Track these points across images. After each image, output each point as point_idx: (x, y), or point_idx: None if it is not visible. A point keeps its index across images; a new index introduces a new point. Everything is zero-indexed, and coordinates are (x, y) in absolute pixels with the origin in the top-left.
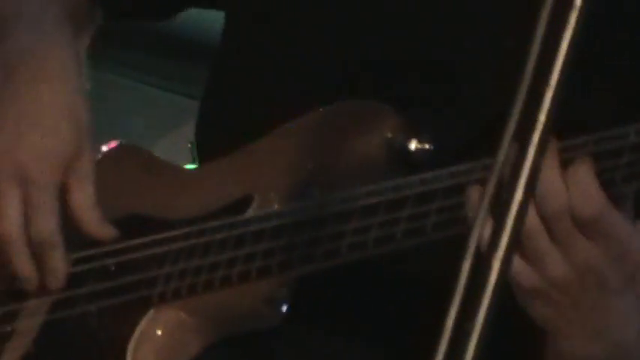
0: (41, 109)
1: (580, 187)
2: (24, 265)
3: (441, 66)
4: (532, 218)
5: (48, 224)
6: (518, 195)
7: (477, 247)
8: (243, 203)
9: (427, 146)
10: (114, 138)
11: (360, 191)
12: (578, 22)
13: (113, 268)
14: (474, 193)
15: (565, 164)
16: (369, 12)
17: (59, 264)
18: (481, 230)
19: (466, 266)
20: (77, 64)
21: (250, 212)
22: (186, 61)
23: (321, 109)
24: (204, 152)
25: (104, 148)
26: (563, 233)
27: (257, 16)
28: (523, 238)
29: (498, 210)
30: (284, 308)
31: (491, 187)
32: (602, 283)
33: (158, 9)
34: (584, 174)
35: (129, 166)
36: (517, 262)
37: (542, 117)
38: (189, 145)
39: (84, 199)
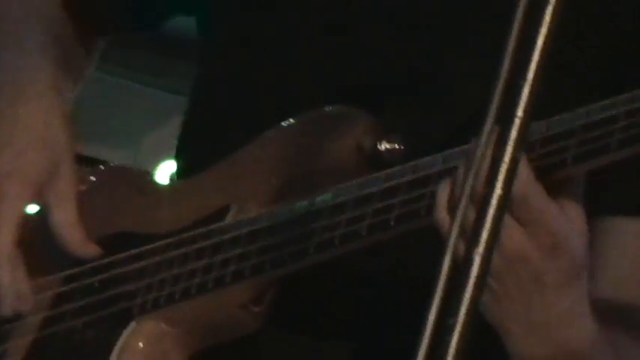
0: (17, 130)
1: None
2: None
3: (415, 70)
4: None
5: (2, 239)
6: (498, 189)
7: (457, 243)
8: (220, 214)
9: (397, 146)
10: (100, 135)
11: (327, 191)
12: (553, 18)
13: (97, 284)
14: (442, 194)
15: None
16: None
17: (5, 284)
18: (460, 226)
19: (447, 262)
20: (58, 88)
21: (227, 221)
22: (171, 57)
23: (295, 119)
24: (184, 168)
25: (94, 171)
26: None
27: (242, 38)
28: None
29: (478, 205)
30: (261, 313)
31: (469, 182)
32: (536, 276)
33: (145, 20)
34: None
35: (117, 186)
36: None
37: (519, 112)
38: (175, 141)
39: (64, 218)
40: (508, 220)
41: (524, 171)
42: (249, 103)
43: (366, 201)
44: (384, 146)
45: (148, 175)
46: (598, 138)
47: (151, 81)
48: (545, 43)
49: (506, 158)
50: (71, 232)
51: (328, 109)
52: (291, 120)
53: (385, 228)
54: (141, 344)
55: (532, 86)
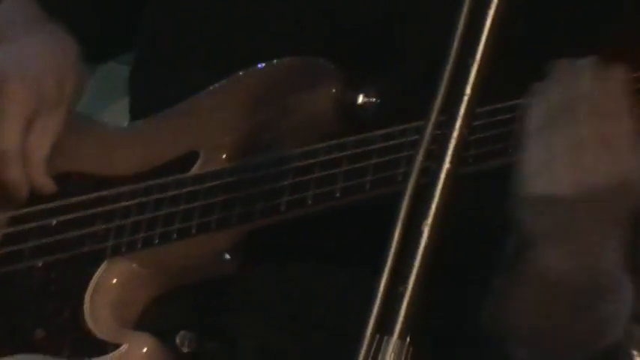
0: (35, 50)
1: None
2: None
3: (387, 25)
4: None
5: (13, 136)
6: (446, 165)
7: (407, 215)
8: (188, 160)
9: (374, 100)
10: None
11: (296, 151)
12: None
13: (54, 225)
14: None
15: None
16: None
17: (17, 178)
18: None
19: (397, 233)
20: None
21: (196, 169)
22: None
23: (262, 65)
24: (136, 108)
25: None
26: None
27: None
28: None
29: (427, 178)
30: (235, 260)
31: (420, 157)
32: (603, 210)
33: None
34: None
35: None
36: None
37: (467, 90)
38: None
39: (39, 147)
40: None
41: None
42: (212, 42)
43: (337, 163)
44: (361, 99)
45: (94, 118)
46: None
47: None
48: (492, 25)
49: (455, 134)
50: (38, 161)
51: (304, 58)
52: (263, 64)
53: (360, 191)
54: (114, 282)
55: (480, 65)
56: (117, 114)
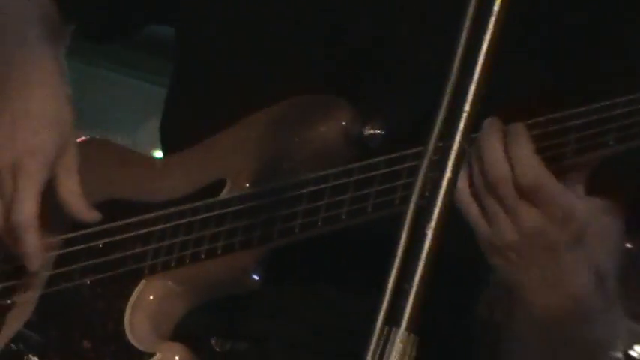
0: (33, 111)
1: (519, 160)
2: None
3: (392, 61)
4: (478, 182)
5: (27, 209)
6: (447, 174)
7: (413, 220)
8: (216, 186)
9: (379, 131)
10: (96, 127)
11: (308, 178)
12: (495, 27)
13: (101, 247)
14: (462, 181)
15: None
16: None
17: (32, 248)
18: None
19: (404, 235)
20: (61, 74)
21: (224, 194)
22: (164, 53)
23: (280, 104)
24: (169, 146)
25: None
26: (509, 199)
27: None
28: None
29: (431, 187)
30: (259, 276)
31: (424, 169)
32: (550, 244)
33: (122, 30)
34: (522, 148)
35: (101, 157)
36: (481, 226)
37: (466, 107)
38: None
39: (71, 187)
40: (522, 201)
41: (535, 161)
42: (229, 91)
43: (344, 189)
44: (367, 132)
45: (130, 148)
46: (595, 135)
47: (145, 76)
48: (489, 47)
49: (455, 147)
50: (77, 200)
51: (314, 96)
52: (279, 104)
53: (363, 214)
54: (151, 298)
55: (477, 85)
56: (150, 132)
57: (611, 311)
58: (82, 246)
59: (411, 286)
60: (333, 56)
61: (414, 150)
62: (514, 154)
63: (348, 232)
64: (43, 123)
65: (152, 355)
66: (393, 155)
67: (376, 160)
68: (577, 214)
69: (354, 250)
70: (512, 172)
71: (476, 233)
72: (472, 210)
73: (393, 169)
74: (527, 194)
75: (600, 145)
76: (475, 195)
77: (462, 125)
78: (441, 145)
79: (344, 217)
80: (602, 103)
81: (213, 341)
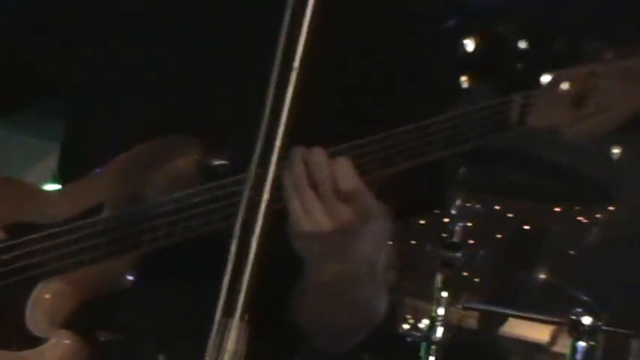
0: None
1: (338, 170)
2: None
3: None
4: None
5: None
6: (265, 195)
7: (241, 232)
8: (97, 208)
9: (224, 162)
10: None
11: (158, 202)
12: (297, 80)
13: (6, 258)
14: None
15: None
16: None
17: None
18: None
19: (234, 245)
20: None
21: (103, 214)
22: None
23: (146, 143)
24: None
25: None
26: (327, 197)
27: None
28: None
29: (253, 205)
30: (131, 277)
31: (247, 191)
32: (354, 233)
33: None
34: (342, 162)
35: (10, 189)
36: (300, 215)
37: (277, 143)
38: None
39: None
40: (338, 201)
41: (353, 170)
42: (112, 139)
43: (180, 210)
44: (215, 162)
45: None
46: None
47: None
48: (292, 99)
49: (270, 173)
50: None
51: (170, 137)
52: (145, 144)
53: (194, 230)
54: (47, 296)
55: (286, 125)
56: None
57: (377, 280)
58: None
59: (241, 286)
60: (188, 100)
61: (237, 177)
62: (337, 164)
63: (200, 240)
64: None
65: (47, 340)
66: (222, 181)
67: (206, 186)
68: (373, 211)
69: (203, 253)
70: (334, 177)
71: (293, 221)
72: (294, 201)
73: (216, 194)
74: (343, 195)
75: (390, 163)
76: (298, 190)
77: (274, 158)
78: (259, 171)
79: (179, 232)
80: (386, 133)
81: (98, 331)
